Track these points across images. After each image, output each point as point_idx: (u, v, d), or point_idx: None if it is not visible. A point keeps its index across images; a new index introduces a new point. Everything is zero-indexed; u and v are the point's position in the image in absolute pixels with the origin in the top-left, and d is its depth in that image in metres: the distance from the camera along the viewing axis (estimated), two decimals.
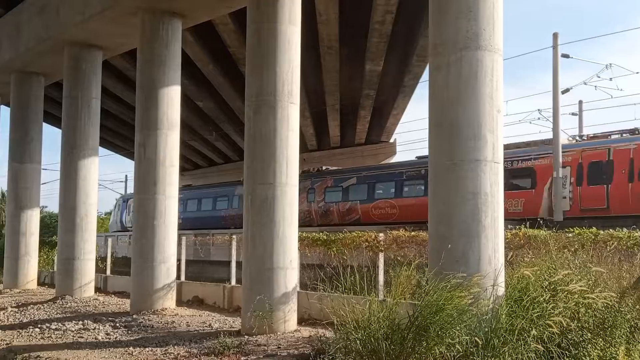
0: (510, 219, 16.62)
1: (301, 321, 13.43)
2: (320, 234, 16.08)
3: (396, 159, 39.18)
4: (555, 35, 24.06)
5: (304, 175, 28.50)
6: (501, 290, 9.01)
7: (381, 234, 14.40)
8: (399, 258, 12.35)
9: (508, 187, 19.99)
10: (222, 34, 24.42)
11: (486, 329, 8.12)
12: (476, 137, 9.61)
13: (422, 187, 25.62)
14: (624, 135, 22.64)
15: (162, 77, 16.81)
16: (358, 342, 8.42)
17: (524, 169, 23.75)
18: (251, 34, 13.70)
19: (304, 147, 17.50)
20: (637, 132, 22.34)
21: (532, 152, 23.98)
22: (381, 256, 13.78)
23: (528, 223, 12.29)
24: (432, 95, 10.17)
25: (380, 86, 30.31)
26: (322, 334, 10.61)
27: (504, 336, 8.00)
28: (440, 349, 7.99)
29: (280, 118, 13.17)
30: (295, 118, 13.47)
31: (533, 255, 10.66)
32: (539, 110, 39.89)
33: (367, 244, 14.38)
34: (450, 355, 7.94)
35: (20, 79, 23.73)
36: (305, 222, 24.85)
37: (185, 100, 20.34)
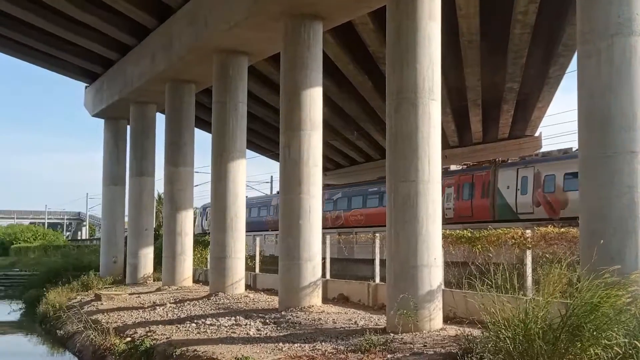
0: None
1: (447, 319, 13.29)
2: (465, 231, 15.84)
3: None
4: None
5: None
6: None
7: (528, 231, 14.00)
8: (547, 255, 11.93)
9: None
10: (361, 33, 24.58)
11: None
12: (631, 128, 9.13)
13: (377, 200, 34.21)
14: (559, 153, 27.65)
15: (305, 79, 17.18)
16: (508, 341, 8.23)
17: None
18: (391, 31, 13.71)
19: (445, 144, 17.30)
20: (568, 152, 26.59)
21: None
22: (529, 253, 13.39)
23: None
24: (581, 85, 9.77)
25: (524, 79, 29.33)
26: (469, 333, 10.44)
27: None
28: (596, 350, 7.66)
29: (421, 115, 13.09)
30: (437, 114, 13.34)
31: None
32: None
33: (513, 241, 14.02)
34: (606, 357, 7.59)
35: (173, 88, 25.08)
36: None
37: (327, 100, 20.65)
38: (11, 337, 24.08)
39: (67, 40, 27.54)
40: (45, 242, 68.99)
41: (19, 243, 73.80)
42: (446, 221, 27.71)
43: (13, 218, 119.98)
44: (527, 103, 33.14)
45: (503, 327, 8.44)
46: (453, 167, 33.39)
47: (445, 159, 16.42)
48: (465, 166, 33.52)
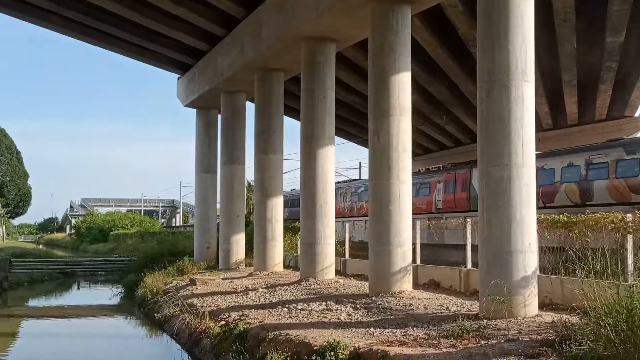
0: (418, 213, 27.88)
1: (542, 306, 12.97)
2: (560, 215, 15.40)
3: None
4: None
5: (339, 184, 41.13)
6: None
7: (629, 215, 13.46)
8: None
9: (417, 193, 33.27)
10: (450, 16, 24.14)
11: None
12: None
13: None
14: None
15: (393, 64, 17.05)
16: (609, 328, 7.96)
17: (425, 183, 37.42)
18: (482, 12, 13.40)
19: (538, 127, 16.76)
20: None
21: (431, 173, 38.62)
22: (630, 238, 12.89)
23: None
24: None
25: (623, 58, 28.09)
26: (567, 320, 10.16)
27: None
28: None
29: (514, 98, 12.76)
30: (530, 97, 12.97)
31: None
32: None
33: (612, 225, 13.51)
34: None
35: (262, 76, 25.40)
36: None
37: (415, 85, 20.40)
38: (112, 319, 25.12)
39: (159, 32, 28.34)
40: (142, 228, 71.54)
41: (118, 230, 76.86)
42: (437, 211, 35.45)
43: (112, 206, 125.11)
44: (625, 82, 31.76)
45: (604, 313, 8.16)
46: (434, 167, 41.57)
47: (539, 142, 15.91)
48: (449, 165, 39.84)
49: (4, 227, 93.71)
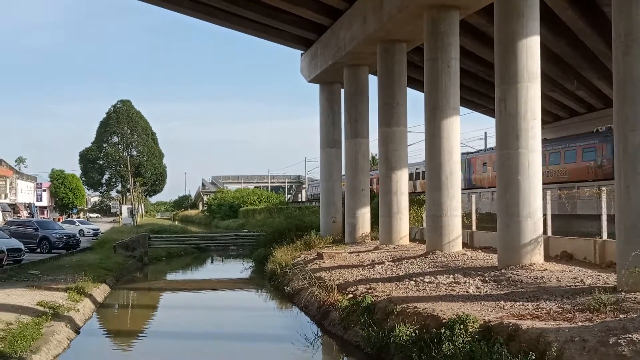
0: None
1: None
2: None
3: None
4: None
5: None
6: None
7: None
8: None
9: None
10: None
11: None
12: None
13: None
14: None
15: (521, 29, 16.44)
16: None
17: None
18: None
19: None
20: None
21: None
22: None
23: None
24: None
25: None
26: None
27: None
28: None
29: None
30: None
31: None
32: None
33: None
34: None
35: (384, 48, 25.21)
36: None
37: (544, 49, 19.52)
38: (245, 292, 25.98)
39: (282, 10, 28.70)
40: (270, 204, 73.34)
41: (246, 206, 79.26)
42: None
43: (240, 183, 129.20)
44: None
45: None
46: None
47: None
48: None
49: (142, 204, 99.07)
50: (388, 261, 20.15)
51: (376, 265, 19.75)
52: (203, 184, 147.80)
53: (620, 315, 9.96)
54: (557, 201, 22.57)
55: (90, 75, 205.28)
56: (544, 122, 21.73)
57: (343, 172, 31.88)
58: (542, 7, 18.43)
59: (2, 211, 73.08)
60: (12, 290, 18.48)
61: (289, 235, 31.06)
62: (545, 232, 17.96)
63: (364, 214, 28.99)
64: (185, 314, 20.41)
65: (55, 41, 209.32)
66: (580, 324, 9.77)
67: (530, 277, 14.59)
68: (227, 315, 20.06)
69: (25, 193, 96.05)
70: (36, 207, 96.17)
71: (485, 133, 59.86)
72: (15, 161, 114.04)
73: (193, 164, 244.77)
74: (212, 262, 38.35)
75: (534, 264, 15.96)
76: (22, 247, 28.04)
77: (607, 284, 12.87)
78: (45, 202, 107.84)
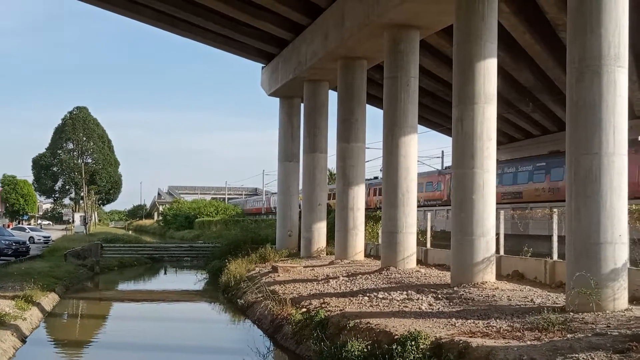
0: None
1: (632, 300, 12.54)
2: None
3: None
4: None
5: None
6: None
7: None
8: None
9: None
10: (539, 0, 23.49)
11: None
12: None
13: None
14: None
15: (479, 50, 16.70)
16: None
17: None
18: None
19: (631, 114, 16.09)
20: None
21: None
22: None
23: None
24: None
25: None
26: None
27: None
28: None
29: (606, 83, 12.30)
30: (624, 83, 12.47)
31: None
32: None
33: None
34: None
35: (345, 65, 25.39)
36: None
37: (501, 72, 19.88)
38: (198, 304, 25.75)
39: (245, 22, 28.72)
40: (226, 216, 72.92)
41: (203, 217, 78.62)
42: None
43: (197, 193, 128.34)
44: None
45: None
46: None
47: (631, 129, 15.26)
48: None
49: (95, 213, 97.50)
50: (343, 276, 20.18)
51: (331, 280, 19.76)
52: (159, 194, 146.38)
53: (568, 335, 10.14)
54: (510, 221, 22.93)
55: (47, 81, 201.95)
56: (499, 143, 22.06)
57: (300, 186, 31.92)
58: (501, 30, 18.80)
59: None
60: None
61: (244, 247, 30.92)
62: (497, 251, 18.21)
63: (320, 229, 29.01)
64: (135, 325, 20.13)
65: (12, 46, 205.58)
66: (529, 342, 9.91)
67: (482, 295, 14.75)
68: (179, 327, 19.84)
69: None
70: None
71: (442, 152, 60.62)
72: None
73: (150, 174, 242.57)
74: (165, 273, 37.96)
75: (486, 282, 16.13)
76: None
77: (557, 303, 13.09)
78: None
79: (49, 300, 21.24)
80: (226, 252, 31.39)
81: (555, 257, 17.02)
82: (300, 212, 31.07)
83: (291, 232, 31.88)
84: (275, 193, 52.29)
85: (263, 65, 34.37)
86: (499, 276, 17.46)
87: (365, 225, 26.64)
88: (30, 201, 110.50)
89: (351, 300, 15.96)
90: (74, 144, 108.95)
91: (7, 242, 35.30)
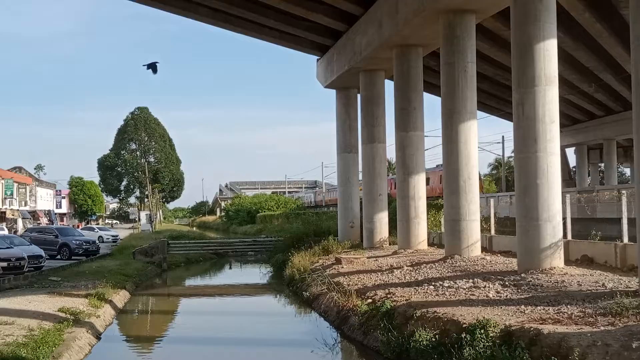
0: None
1: None
2: None
3: None
4: None
5: None
6: None
7: None
8: None
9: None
10: None
11: None
12: None
13: None
14: None
15: (538, 32, 16.39)
16: None
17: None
18: None
19: None
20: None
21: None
22: None
23: None
24: None
25: None
26: None
27: None
28: None
29: None
30: None
31: None
32: None
33: None
34: None
35: (400, 53, 25.20)
36: None
37: (561, 53, 19.39)
38: (264, 297, 26.05)
39: (298, 16, 28.82)
40: (287, 210, 73.41)
41: (264, 211, 79.34)
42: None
43: (257, 188, 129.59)
44: None
45: None
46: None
47: None
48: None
49: (160, 211, 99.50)
50: (407, 266, 20.12)
51: (395, 270, 19.73)
52: (220, 190, 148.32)
53: None
54: (576, 204, 22.44)
55: (108, 83, 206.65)
56: (562, 125, 21.62)
57: (360, 177, 31.87)
58: (559, 10, 18.38)
59: (22, 218, 73.81)
60: (33, 297, 18.67)
61: (306, 240, 31.13)
62: (565, 235, 17.87)
63: (382, 219, 28.94)
64: (204, 320, 20.50)
65: (74, 50, 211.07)
66: (602, 328, 9.71)
67: (550, 281, 14.51)
68: (246, 321, 20.11)
69: (44, 200, 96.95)
70: (55, 214, 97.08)
71: (503, 137, 59.67)
72: (35, 168, 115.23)
73: (210, 170, 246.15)
74: (230, 267, 38.48)
75: (554, 268, 15.86)
76: (43, 254, 28.33)
77: (629, 287, 12.79)
78: (64, 209, 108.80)
79: (120, 297, 21.81)
80: (289, 246, 31.63)
81: (625, 240, 16.62)
82: (361, 203, 31.07)
83: (353, 224, 31.89)
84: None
85: (318, 57, 34.42)
86: (567, 261, 17.15)
87: (427, 214, 26.43)
88: (98, 201, 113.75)
89: (416, 290, 15.91)
90: (137, 144, 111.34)
91: (77, 242, 36.38)
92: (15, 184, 76.43)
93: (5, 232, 52.05)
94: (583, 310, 11.22)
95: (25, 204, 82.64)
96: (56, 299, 18.58)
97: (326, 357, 13.97)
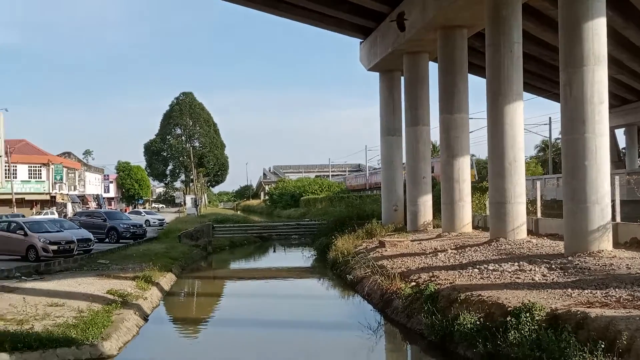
0: None
1: None
2: None
3: None
4: None
5: None
6: None
7: None
8: None
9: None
10: None
11: None
12: None
13: None
14: None
15: (586, 11, 16.03)
16: None
17: None
18: None
19: None
20: None
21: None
22: None
23: None
24: None
25: None
26: None
27: None
28: None
29: None
30: None
31: None
32: None
33: None
34: None
35: (445, 35, 24.92)
36: None
37: (610, 31, 18.91)
38: (307, 280, 26.16)
39: None
40: (331, 193, 73.51)
41: (308, 195, 79.62)
42: None
43: (301, 172, 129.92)
44: None
45: None
46: None
47: None
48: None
49: (205, 194, 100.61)
50: (451, 249, 20.00)
51: (439, 253, 19.63)
52: (264, 174, 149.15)
53: None
54: (625, 186, 22.00)
55: (154, 69, 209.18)
56: (611, 106, 21.13)
57: (404, 160, 31.68)
58: None
59: (72, 202, 75.40)
60: (82, 279, 19.12)
61: (350, 223, 31.13)
62: (613, 218, 17.53)
63: (426, 202, 28.78)
64: (249, 302, 20.71)
65: (120, 38, 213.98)
66: None
67: (598, 264, 14.28)
68: (291, 304, 20.24)
69: (93, 185, 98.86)
70: (104, 198, 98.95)
71: (550, 118, 58.63)
72: (83, 154, 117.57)
73: (254, 154, 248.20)
74: (274, 251, 38.75)
75: (602, 251, 15.61)
76: (92, 237, 28.93)
77: None
78: (112, 193, 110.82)
79: (167, 280, 22.16)
80: (332, 229, 31.68)
81: None
82: (405, 185, 30.92)
83: (396, 207, 31.78)
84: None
85: (361, 40, 34.23)
86: (616, 244, 16.85)
87: (472, 197, 26.20)
88: (144, 185, 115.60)
89: (461, 273, 15.81)
90: (182, 129, 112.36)
91: (125, 226, 37.07)
92: (65, 169, 77.97)
93: (55, 215, 53.40)
94: (632, 293, 11.02)
95: (75, 189, 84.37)
96: (105, 281, 18.99)
97: (371, 340, 14.00)
